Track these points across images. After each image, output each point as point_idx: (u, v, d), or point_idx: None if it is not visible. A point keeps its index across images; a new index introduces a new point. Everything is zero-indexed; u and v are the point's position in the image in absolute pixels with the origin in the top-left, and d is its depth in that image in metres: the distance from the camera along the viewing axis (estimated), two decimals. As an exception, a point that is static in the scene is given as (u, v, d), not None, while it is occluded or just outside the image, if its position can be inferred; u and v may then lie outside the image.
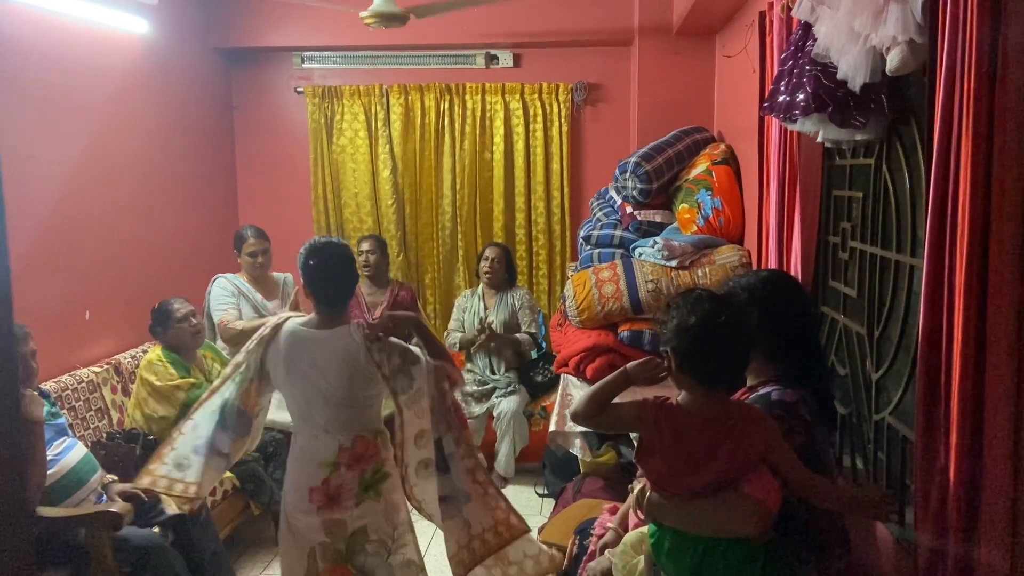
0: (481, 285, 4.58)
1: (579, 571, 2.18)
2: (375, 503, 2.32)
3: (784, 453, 1.63)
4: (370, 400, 2.37)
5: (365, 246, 4.53)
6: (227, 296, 4.01)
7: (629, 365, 1.76)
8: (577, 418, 1.77)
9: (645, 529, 1.81)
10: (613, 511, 2.23)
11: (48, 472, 2.57)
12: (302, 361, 2.32)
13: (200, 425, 2.45)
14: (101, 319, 3.87)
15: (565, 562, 2.41)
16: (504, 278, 4.52)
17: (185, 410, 3.37)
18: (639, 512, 1.83)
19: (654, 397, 1.70)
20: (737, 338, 1.64)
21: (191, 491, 2.43)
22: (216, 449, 2.45)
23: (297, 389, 2.34)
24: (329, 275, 2.35)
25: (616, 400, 1.74)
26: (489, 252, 4.52)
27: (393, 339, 2.34)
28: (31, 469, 2.44)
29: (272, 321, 2.44)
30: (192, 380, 3.40)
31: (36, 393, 2.58)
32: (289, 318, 2.42)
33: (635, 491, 1.80)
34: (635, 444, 1.81)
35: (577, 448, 3.61)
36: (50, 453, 2.63)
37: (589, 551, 2.20)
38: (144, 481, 2.44)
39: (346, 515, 2.30)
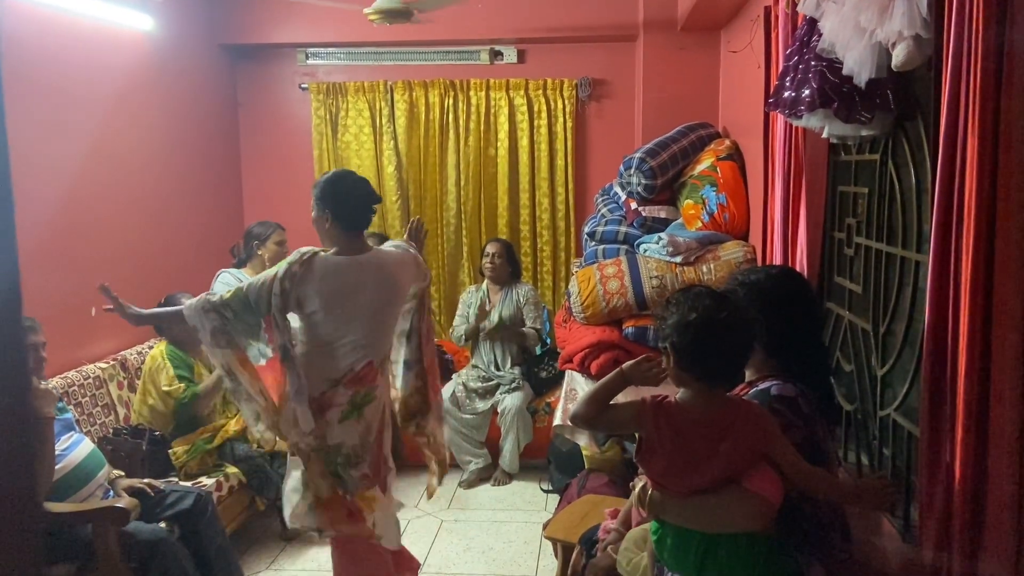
0: (485, 281, 4.58)
1: None
2: (355, 423, 2.46)
3: (784, 447, 1.63)
4: (395, 318, 2.61)
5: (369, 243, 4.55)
6: (231, 292, 4.02)
7: (625, 365, 1.76)
8: (576, 420, 1.76)
9: (648, 526, 1.82)
10: (614, 515, 2.24)
11: (55, 467, 2.59)
12: (347, 286, 2.43)
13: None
14: (107, 315, 3.87)
15: (570, 571, 2.42)
16: (507, 273, 4.52)
17: (179, 413, 3.39)
18: (642, 509, 1.83)
19: (652, 396, 1.70)
20: (737, 335, 1.63)
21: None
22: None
23: (335, 315, 2.42)
24: (361, 198, 2.50)
25: (615, 400, 1.74)
26: (490, 248, 4.53)
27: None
28: (40, 465, 2.46)
29: (297, 252, 2.45)
30: (183, 387, 3.40)
31: (49, 388, 2.59)
32: (315, 252, 2.46)
33: (636, 489, 1.80)
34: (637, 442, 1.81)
35: (584, 440, 3.61)
36: (57, 448, 2.64)
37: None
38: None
39: (328, 428, 2.43)
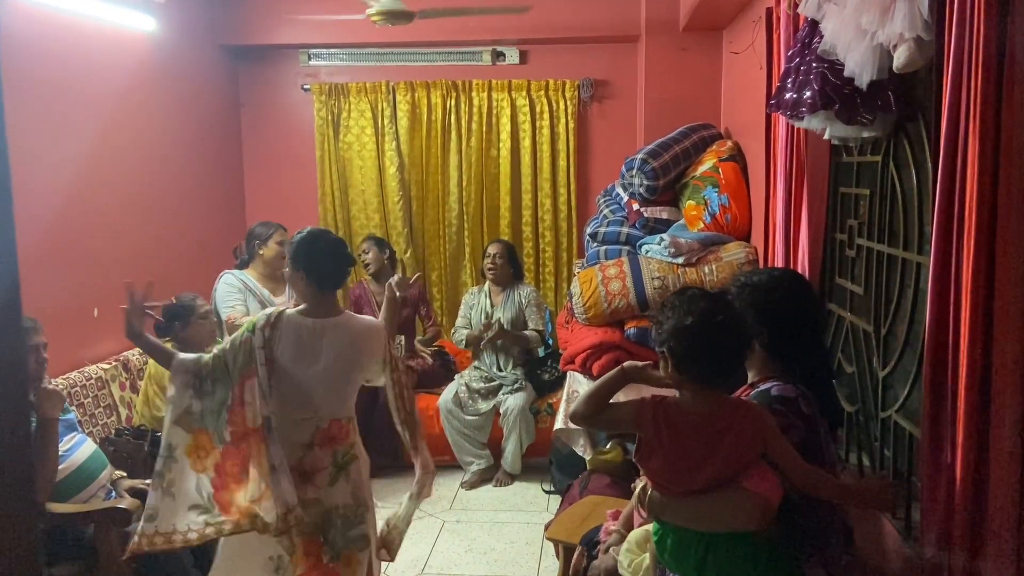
0: (487, 283, 4.59)
1: None
2: (345, 483, 2.44)
3: (782, 447, 1.63)
4: (357, 384, 2.54)
5: (362, 247, 4.63)
6: (234, 292, 4.02)
7: (626, 363, 1.77)
8: (576, 418, 1.77)
9: (650, 527, 1.82)
10: (615, 516, 2.24)
11: (58, 468, 2.59)
12: (309, 348, 2.42)
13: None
14: (110, 316, 3.89)
15: (572, 572, 2.42)
16: (509, 274, 4.52)
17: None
18: (642, 510, 1.83)
19: (652, 396, 1.70)
20: (733, 338, 1.64)
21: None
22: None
23: (298, 376, 2.40)
24: (334, 259, 2.48)
25: (614, 400, 1.74)
26: (491, 249, 4.53)
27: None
28: (42, 465, 2.46)
29: (263, 314, 2.44)
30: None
31: (57, 390, 2.60)
32: (283, 310, 2.47)
33: (637, 489, 1.80)
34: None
35: (580, 447, 3.62)
36: (60, 449, 2.65)
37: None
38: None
39: (320, 493, 2.41)
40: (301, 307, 2.49)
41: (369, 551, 2.50)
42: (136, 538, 2.31)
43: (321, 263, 2.45)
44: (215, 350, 2.44)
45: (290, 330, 2.42)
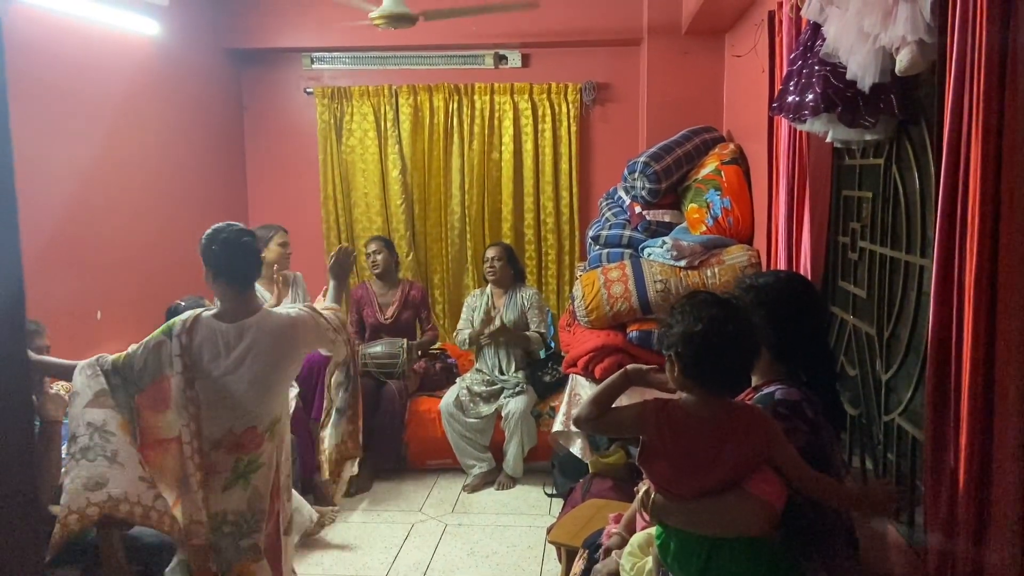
0: (489, 285, 4.59)
1: None
2: (242, 491, 2.36)
3: (787, 452, 1.62)
4: (281, 386, 2.47)
5: (372, 247, 4.59)
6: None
7: (629, 366, 1.76)
8: (579, 422, 1.77)
9: (652, 530, 1.81)
10: (617, 519, 2.23)
11: (60, 471, 2.59)
12: (224, 352, 2.33)
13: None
14: (112, 318, 3.90)
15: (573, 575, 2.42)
16: (510, 276, 4.52)
17: None
18: (645, 514, 1.83)
19: (655, 399, 1.69)
20: (742, 348, 1.62)
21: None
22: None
23: (218, 383, 2.33)
24: (239, 256, 2.38)
25: (618, 403, 1.74)
26: (490, 252, 4.53)
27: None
28: (45, 468, 2.46)
29: (179, 319, 2.37)
30: None
31: (60, 393, 2.60)
32: (200, 314, 2.38)
33: (640, 493, 1.80)
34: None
35: (578, 449, 3.61)
36: (62, 452, 2.65)
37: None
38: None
39: (212, 495, 2.33)
40: (215, 310, 2.39)
41: (263, 562, 2.41)
42: (82, 511, 2.16)
43: (221, 258, 2.35)
44: (128, 350, 2.37)
45: (206, 335, 2.33)
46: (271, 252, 4.10)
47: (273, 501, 2.47)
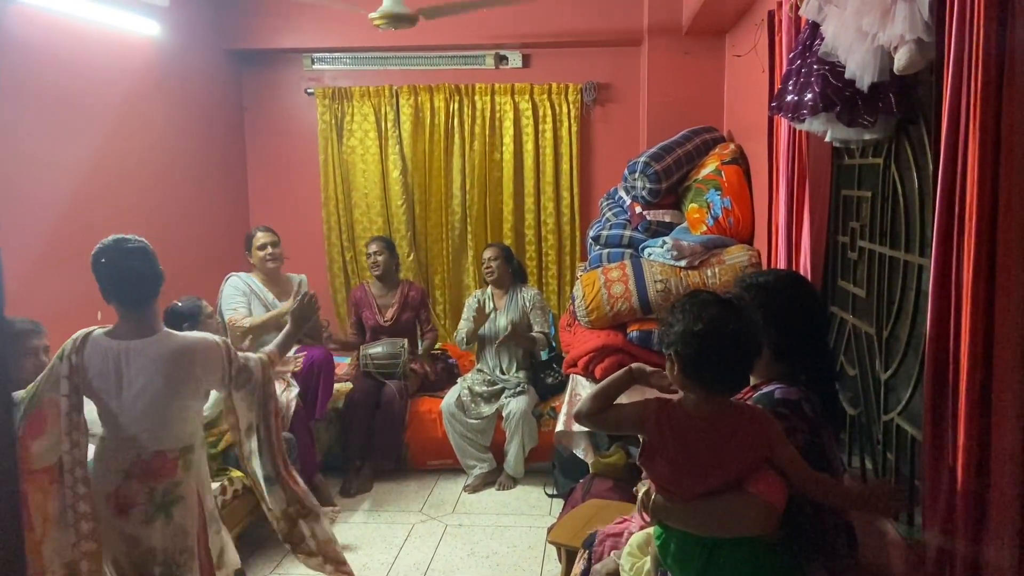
0: (490, 286, 4.59)
1: None
2: (166, 525, 2.24)
3: (787, 452, 1.62)
4: (186, 411, 2.31)
5: (373, 247, 4.58)
6: (237, 295, 4.04)
7: (634, 366, 1.76)
8: (580, 417, 1.77)
9: (651, 530, 1.81)
10: (619, 526, 2.23)
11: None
12: (114, 372, 2.21)
13: None
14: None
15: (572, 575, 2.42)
16: (509, 276, 4.52)
17: None
18: (645, 514, 1.83)
19: (656, 399, 1.70)
20: (743, 349, 1.62)
21: None
22: None
23: (110, 405, 2.22)
24: (122, 277, 2.23)
25: (619, 401, 1.74)
26: (487, 253, 4.53)
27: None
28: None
29: (71, 339, 2.25)
30: None
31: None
32: (91, 332, 2.27)
33: (640, 493, 1.80)
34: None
35: (581, 450, 3.61)
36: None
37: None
38: None
39: (138, 530, 2.22)
40: (109, 327, 2.27)
41: None
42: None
43: (107, 278, 2.22)
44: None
45: (96, 354, 2.21)
46: (253, 256, 4.13)
47: (201, 537, 2.35)
